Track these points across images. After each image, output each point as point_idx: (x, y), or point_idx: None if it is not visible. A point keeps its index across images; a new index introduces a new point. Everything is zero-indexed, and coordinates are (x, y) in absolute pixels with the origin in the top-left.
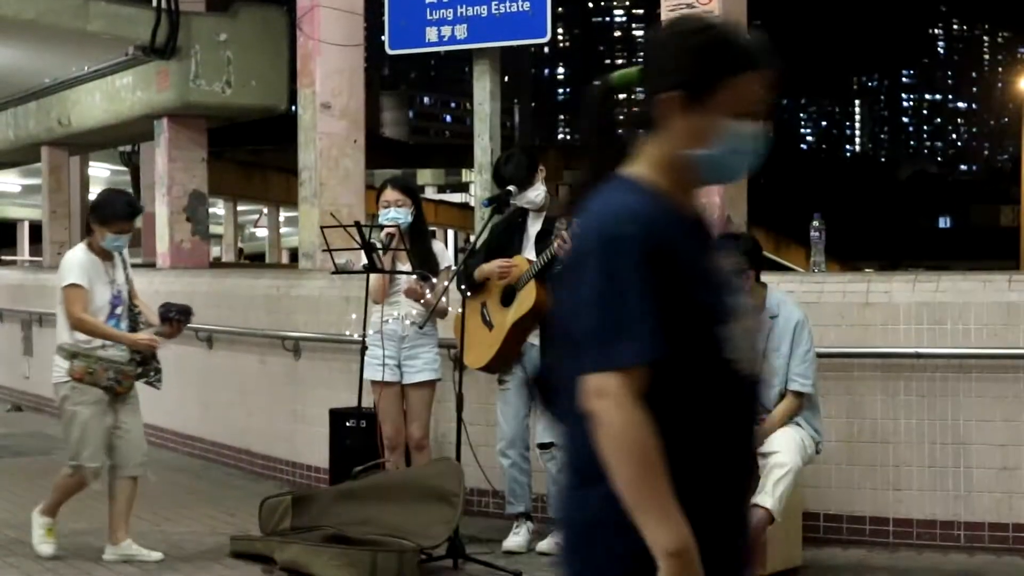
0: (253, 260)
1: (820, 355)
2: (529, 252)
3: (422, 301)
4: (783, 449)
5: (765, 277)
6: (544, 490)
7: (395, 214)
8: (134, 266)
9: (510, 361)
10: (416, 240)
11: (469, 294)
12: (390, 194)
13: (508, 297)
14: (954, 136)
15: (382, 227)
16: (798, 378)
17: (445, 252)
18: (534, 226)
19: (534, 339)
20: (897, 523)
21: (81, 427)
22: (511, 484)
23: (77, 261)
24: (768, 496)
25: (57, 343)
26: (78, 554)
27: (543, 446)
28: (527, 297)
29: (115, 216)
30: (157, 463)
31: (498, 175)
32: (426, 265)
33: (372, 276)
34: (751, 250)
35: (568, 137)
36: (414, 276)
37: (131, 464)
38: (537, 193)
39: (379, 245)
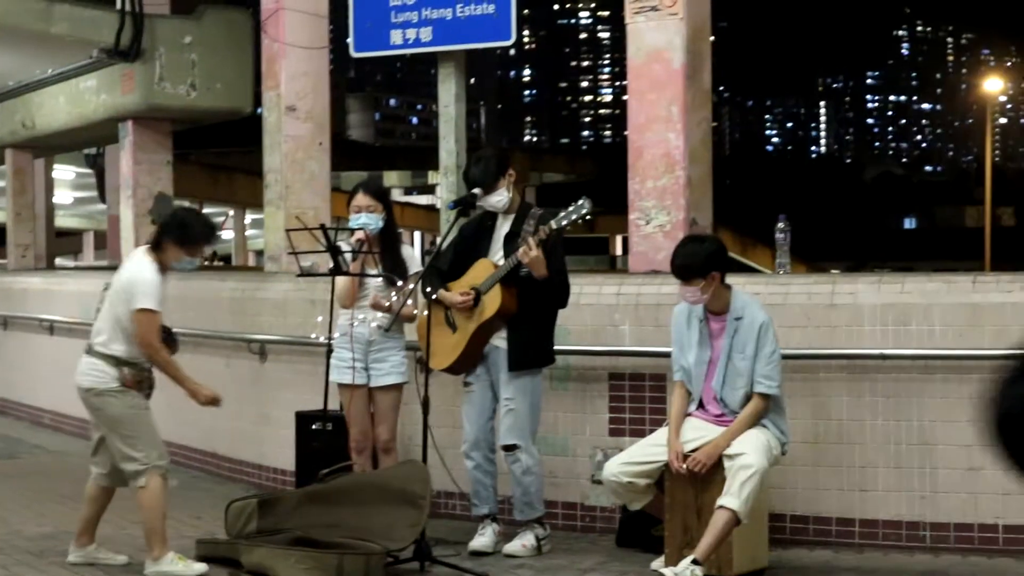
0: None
1: (785, 356)
2: (496, 254)
3: (387, 304)
4: (749, 451)
5: (731, 279)
6: (510, 491)
7: (366, 219)
8: (98, 268)
9: (474, 363)
10: (386, 246)
11: (434, 297)
12: (361, 199)
13: (474, 298)
14: (919, 137)
15: (351, 231)
16: (764, 380)
17: (415, 257)
18: (502, 228)
19: (498, 340)
20: (863, 524)
21: (146, 426)
22: (475, 486)
23: (154, 283)
24: (734, 498)
25: (103, 349)
26: (43, 556)
27: (507, 448)
28: (492, 301)
29: (196, 239)
30: None
31: (466, 177)
32: (396, 271)
33: (341, 280)
34: (715, 252)
35: (534, 139)
36: (381, 279)
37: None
38: (499, 199)
39: (348, 248)
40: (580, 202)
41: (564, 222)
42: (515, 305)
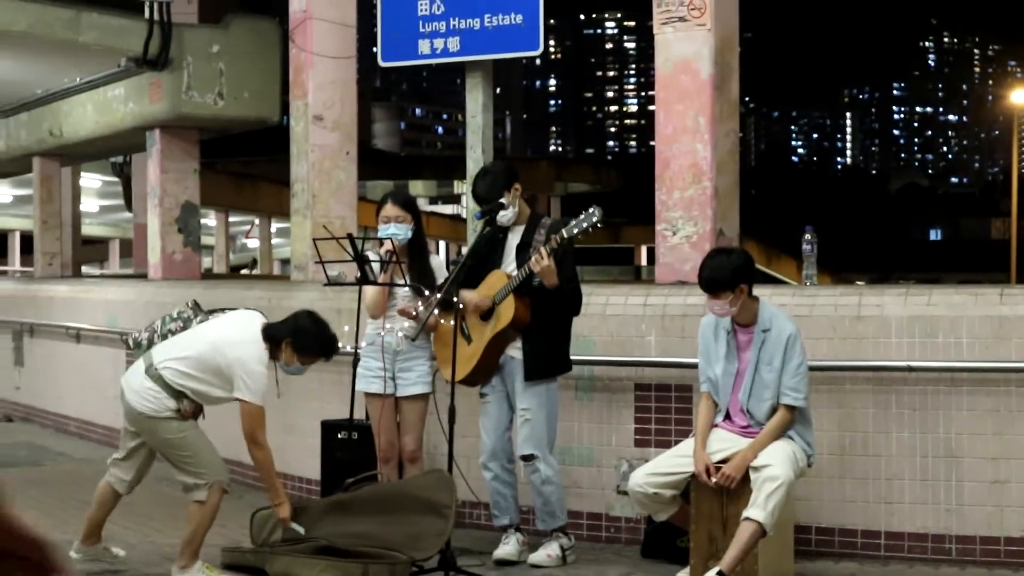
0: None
1: (812, 368)
2: (509, 266)
3: (415, 312)
4: (775, 462)
5: (757, 290)
6: (531, 502)
7: (395, 229)
8: (124, 277)
9: (489, 374)
10: (415, 256)
11: (455, 300)
12: (390, 209)
13: (487, 311)
14: (945, 149)
15: (379, 240)
16: (790, 392)
17: (442, 267)
18: (513, 240)
19: (513, 351)
20: (889, 536)
21: (203, 444)
22: (494, 496)
23: (262, 377)
24: (760, 509)
25: (172, 379)
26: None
27: (525, 458)
28: (506, 311)
29: (312, 352)
30: (148, 474)
31: (473, 192)
32: (424, 281)
33: (370, 290)
34: (743, 264)
35: (559, 149)
36: (408, 289)
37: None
38: (505, 213)
39: (376, 258)
40: (591, 210)
41: (575, 231)
42: (528, 315)
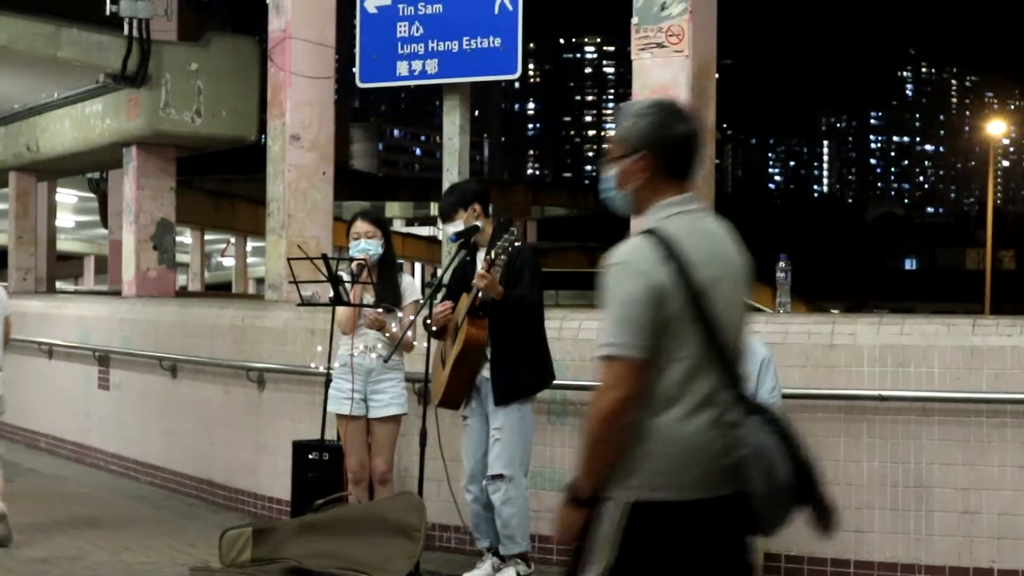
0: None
1: (784, 396)
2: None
3: (387, 334)
4: None
5: None
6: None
7: (365, 245)
8: (98, 294)
9: (461, 396)
10: (385, 272)
11: (434, 328)
12: (361, 226)
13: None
14: (921, 178)
15: (351, 259)
16: None
17: (414, 286)
18: (479, 262)
19: (487, 372)
20: (858, 566)
21: None
22: (475, 519)
23: None
24: None
25: None
26: None
27: (493, 477)
28: (461, 334)
29: None
30: (118, 492)
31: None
32: (392, 298)
33: (340, 307)
34: None
35: (537, 173)
36: (379, 309)
37: None
38: (455, 229)
39: (347, 276)
40: (511, 230)
41: (493, 251)
42: (483, 334)
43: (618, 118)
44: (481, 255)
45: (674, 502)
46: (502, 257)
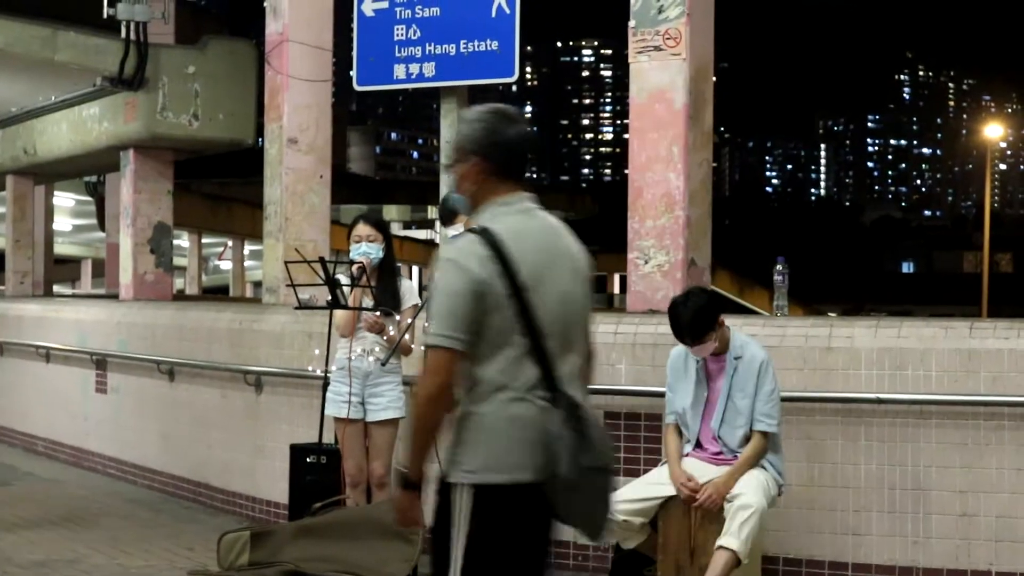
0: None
1: (782, 399)
2: None
3: (385, 337)
4: (747, 491)
5: (728, 320)
6: None
7: (366, 248)
8: (95, 297)
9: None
10: (384, 276)
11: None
12: (362, 229)
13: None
14: (918, 182)
15: (350, 262)
16: (764, 418)
17: (413, 290)
18: None
19: None
20: (856, 568)
21: None
22: None
23: None
24: (734, 538)
25: None
26: None
27: None
28: None
29: None
30: (116, 495)
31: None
32: (392, 302)
33: (338, 310)
34: (710, 299)
35: (534, 176)
36: (377, 312)
37: None
38: (447, 231)
39: (346, 280)
40: None
41: None
42: None
43: (458, 125)
44: None
45: (504, 484)
46: None
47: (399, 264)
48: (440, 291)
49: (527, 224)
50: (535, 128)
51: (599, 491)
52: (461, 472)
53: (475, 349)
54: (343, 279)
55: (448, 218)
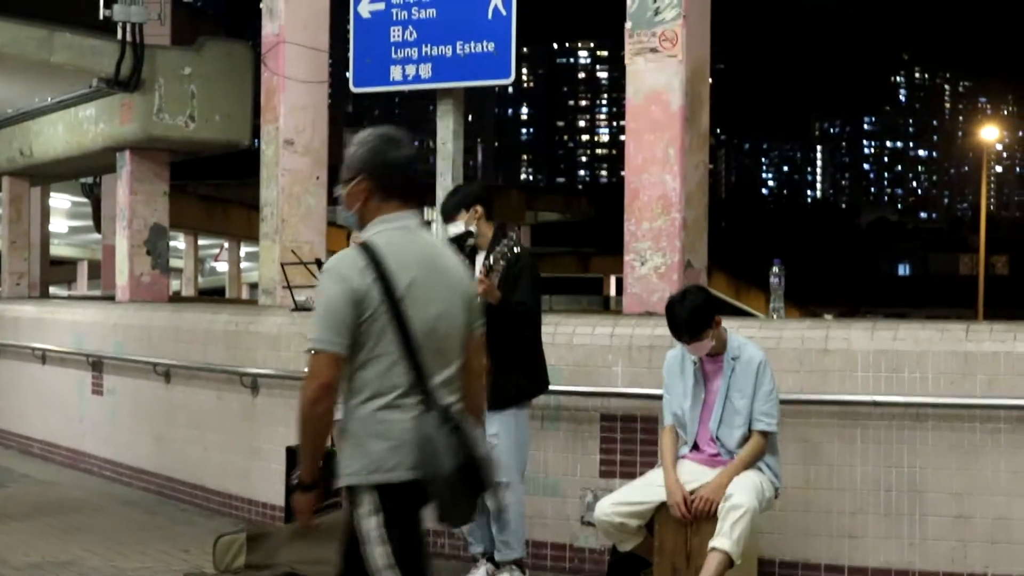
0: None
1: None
2: None
3: None
4: (739, 491)
5: (725, 322)
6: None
7: None
8: (91, 299)
9: None
10: None
11: None
12: None
13: None
14: (915, 184)
15: None
16: (763, 417)
17: None
18: (478, 265)
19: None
20: (852, 571)
21: None
22: (469, 524)
23: None
24: (726, 538)
25: None
26: None
27: None
28: None
29: None
30: (112, 497)
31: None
32: None
33: None
34: (707, 299)
35: (531, 178)
36: None
37: None
38: (455, 230)
39: None
40: (508, 237)
41: (491, 258)
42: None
43: (349, 147)
44: (481, 258)
45: (384, 484)
46: (501, 262)
47: None
48: (321, 299)
49: (407, 240)
50: (531, 130)
51: (472, 487)
52: (345, 475)
53: (353, 355)
54: None
55: (450, 214)
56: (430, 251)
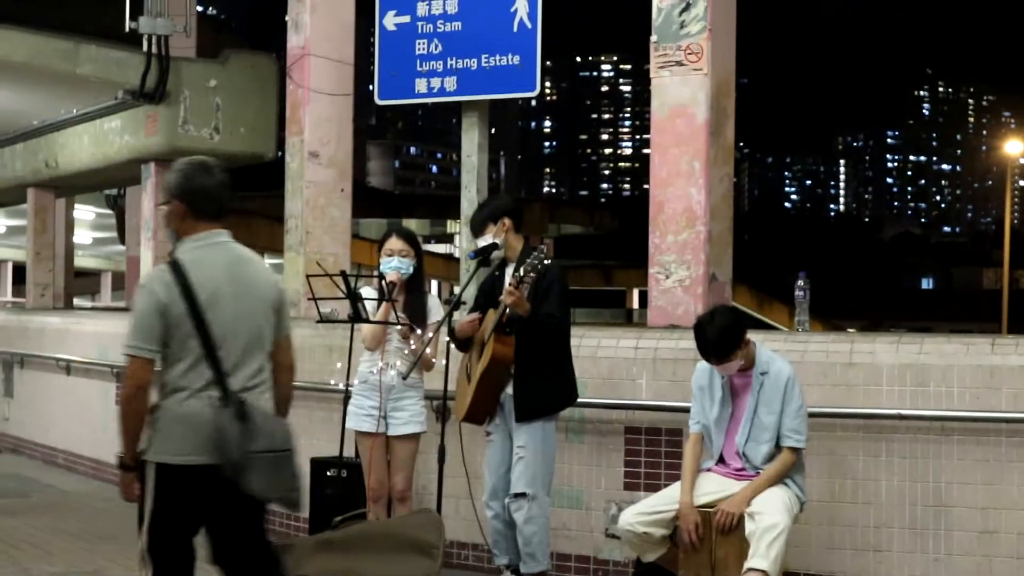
0: None
1: None
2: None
3: (407, 351)
4: (772, 510)
5: (751, 335)
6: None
7: (398, 263)
8: (115, 310)
9: (486, 412)
10: (412, 291)
11: (459, 341)
12: (395, 243)
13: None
14: (938, 198)
15: (380, 276)
16: (792, 434)
17: (439, 307)
18: (507, 277)
19: (511, 389)
20: None
21: None
22: (494, 535)
23: None
24: (763, 559)
25: None
26: None
27: (516, 495)
28: (488, 349)
29: None
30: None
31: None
32: (417, 318)
33: (365, 324)
34: (736, 318)
35: (554, 191)
36: (401, 326)
37: None
38: (484, 243)
39: (368, 294)
40: (540, 248)
41: (521, 270)
42: (509, 352)
43: (167, 174)
44: (510, 271)
45: (181, 465)
46: (531, 275)
47: (425, 277)
48: (133, 310)
49: (213, 255)
50: (555, 143)
51: (273, 469)
52: (149, 453)
53: (163, 357)
54: (371, 291)
55: (479, 227)
56: (236, 264)
